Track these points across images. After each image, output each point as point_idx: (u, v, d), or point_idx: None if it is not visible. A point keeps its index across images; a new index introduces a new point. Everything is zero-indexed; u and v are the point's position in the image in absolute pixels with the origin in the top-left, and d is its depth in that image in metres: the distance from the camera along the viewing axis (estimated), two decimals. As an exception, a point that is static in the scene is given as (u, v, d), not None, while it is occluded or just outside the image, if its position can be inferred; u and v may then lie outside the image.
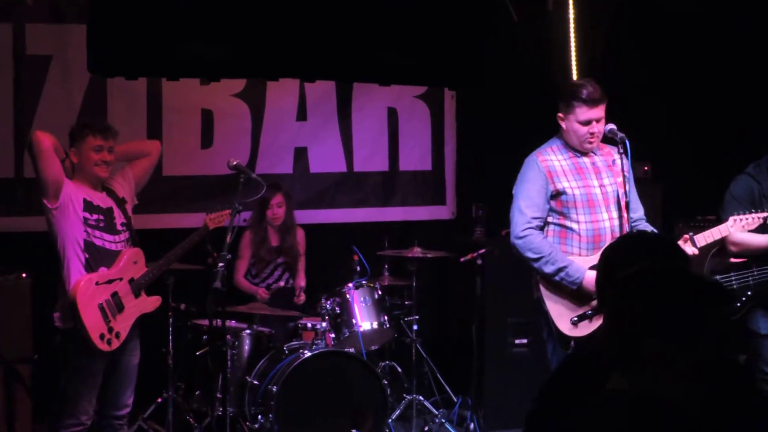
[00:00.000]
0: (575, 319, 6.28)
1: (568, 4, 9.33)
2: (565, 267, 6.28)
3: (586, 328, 6.29)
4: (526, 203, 6.45)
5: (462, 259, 8.88)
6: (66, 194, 6.72)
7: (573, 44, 9.41)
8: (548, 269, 6.32)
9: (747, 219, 6.84)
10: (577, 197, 6.43)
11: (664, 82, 9.37)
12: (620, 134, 6.42)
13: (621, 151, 6.42)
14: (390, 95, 10.17)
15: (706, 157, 8.65)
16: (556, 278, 6.31)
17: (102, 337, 6.72)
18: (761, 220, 6.85)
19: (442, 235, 10.04)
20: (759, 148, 7.90)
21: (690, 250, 6.47)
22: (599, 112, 6.40)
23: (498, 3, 9.12)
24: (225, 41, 8.16)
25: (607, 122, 6.49)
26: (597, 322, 6.27)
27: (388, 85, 9.69)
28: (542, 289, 6.45)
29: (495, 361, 8.91)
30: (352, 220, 10.12)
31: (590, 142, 6.46)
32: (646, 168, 9.16)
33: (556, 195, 6.44)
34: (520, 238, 6.41)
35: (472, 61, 9.49)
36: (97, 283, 6.75)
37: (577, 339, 6.31)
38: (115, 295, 6.83)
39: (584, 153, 6.53)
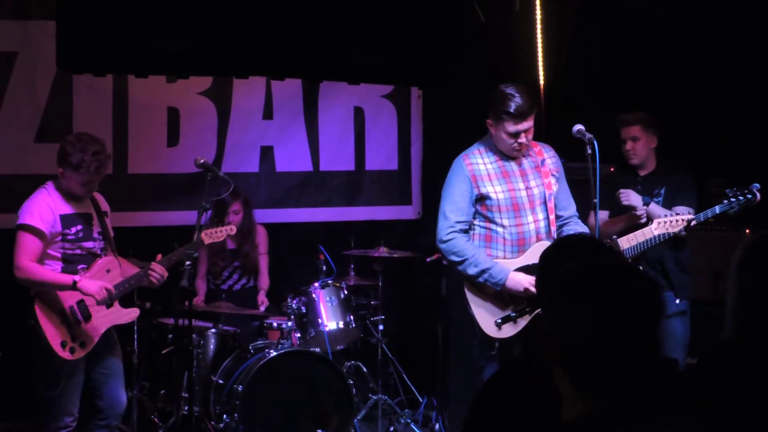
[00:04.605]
0: (499, 321, 6.43)
1: (534, 5, 9.34)
2: (488, 269, 6.41)
3: (510, 330, 6.43)
4: (451, 207, 6.57)
5: (428, 260, 8.89)
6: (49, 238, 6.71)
7: (540, 44, 9.42)
8: (471, 271, 6.44)
9: (671, 221, 7.04)
10: (501, 201, 6.53)
11: (630, 82, 9.38)
12: (588, 135, 6.50)
13: (589, 151, 6.47)
14: (357, 95, 10.15)
15: (672, 157, 8.65)
16: (480, 280, 6.43)
17: (64, 344, 6.64)
18: (685, 223, 7.03)
19: (408, 235, 10.04)
20: (724, 147, 8.05)
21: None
22: (527, 124, 6.48)
23: (465, 3, 9.12)
24: (194, 39, 8.14)
25: (534, 131, 6.63)
26: (521, 324, 6.44)
27: (356, 83, 9.69)
28: (466, 291, 6.57)
29: (460, 361, 8.87)
30: (318, 219, 10.08)
31: (518, 151, 6.56)
32: (612, 168, 9.19)
33: (481, 199, 6.55)
34: (444, 242, 6.55)
35: (439, 60, 9.51)
36: None
37: (501, 341, 6.44)
38: (81, 302, 6.74)
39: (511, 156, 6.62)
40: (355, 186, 10.29)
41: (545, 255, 3.84)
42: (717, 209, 7.23)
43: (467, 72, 9.49)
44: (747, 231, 8.30)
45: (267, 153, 9.89)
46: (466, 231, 6.57)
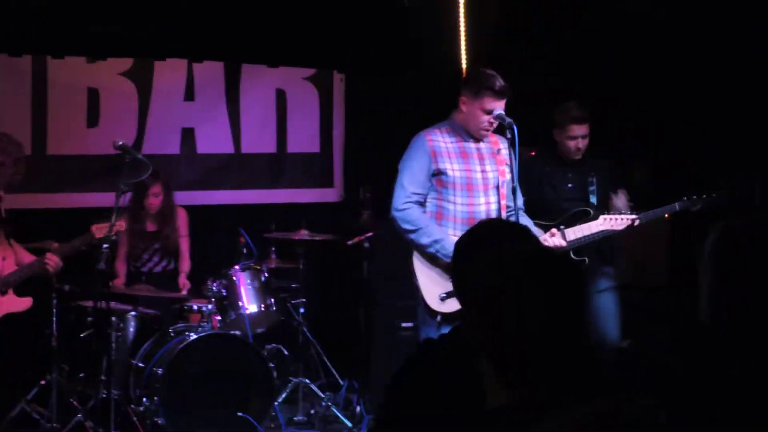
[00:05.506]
0: (444, 295, 6.47)
1: (458, -9, 9.38)
2: (440, 240, 6.47)
3: (453, 305, 6.47)
4: (409, 179, 6.63)
5: (349, 243, 8.90)
6: None
7: (462, 30, 9.46)
8: (424, 240, 6.50)
9: (616, 219, 7.17)
10: (457, 179, 6.61)
11: (552, 68, 9.42)
12: (508, 119, 6.54)
13: (509, 136, 6.53)
14: (279, 77, 10.15)
15: (593, 143, 8.73)
16: (431, 250, 6.49)
17: None
18: (630, 222, 7.16)
19: (329, 218, 10.03)
20: (649, 133, 8.09)
21: (558, 242, 6.85)
22: (503, 104, 6.56)
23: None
24: (113, 20, 8.09)
25: None
26: None
27: (276, 66, 9.70)
28: (415, 262, 6.63)
29: (382, 344, 8.91)
30: (239, 201, 10.07)
31: (486, 130, 6.65)
32: (532, 153, 9.23)
33: (437, 174, 6.62)
34: (400, 210, 6.60)
35: (361, 44, 9.53)
36: None
37: (444, 314, 6.48)
38: None
39: (472, 139, 6.69)
40: (277, 168, 10.28)
41: (461, 241, 3.84)
42: (677, 206, 7.33)
43: (390, 56, 9.52)
44: (666, 216, 8.38)
45: (188, 134, 9.85)
46: (421, 204, 6.63)
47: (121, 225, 7.67)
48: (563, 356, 2.61)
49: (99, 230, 7.36)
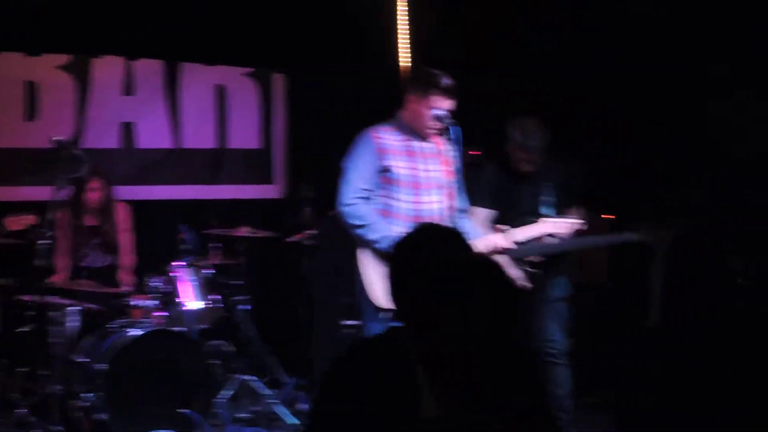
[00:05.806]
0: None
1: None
2: (388, 236, 6.42)
3: None
4: (356, 175, 6.58)
5: (288, 239, 8.87)
6: None
7: (403, 29, 9.49)
8: (372, 236, 6.46)
9: (559, 223, 7.18)
10: (402, 177, 6.58)
11: (499, 68, 9.45)
12: (449, 120, 6.54)
13: (450, 136, 6.55)
14: (219, 73, 10.18)
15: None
16: (379, 246, 6.47)
17: None
18: (570, 225, 7.17)
19: (271, 215, 10.02)
20: (596, 136, 8.12)
21: (503, 241, 6.83)
22: (452, 104, 6.55)
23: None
24: (48, 16, 8.02)
25: None
26: None
27: (213, 64, 9.68)
28: (362, 256, 6.60)
29: (323, 342, 8.90)
30: (179, 197, 10.08)
31: (432, 129, 6.63)
32: (477, 153, 9.23)
33: (384, 171, 6.59)
34: (347, 205, 6.55)
35: (300, 43, 9.51)
36: None
37: (388, 311, 6.45)
38: None
39: (418, 137, 6.69)
40: (217, 164, 10.28)
41: (399, 245, 3.83)
42: (622, 238, 7.34)
43: (330, 55, 9.53)
44: (603, 216, 8.43)
45: (127, 129, 9.83)
46: (368, 200, 6.58)
47: (30, 219, 7.56)
48: (506, 358, 2.61)
49: (12, 223, 7.29)
